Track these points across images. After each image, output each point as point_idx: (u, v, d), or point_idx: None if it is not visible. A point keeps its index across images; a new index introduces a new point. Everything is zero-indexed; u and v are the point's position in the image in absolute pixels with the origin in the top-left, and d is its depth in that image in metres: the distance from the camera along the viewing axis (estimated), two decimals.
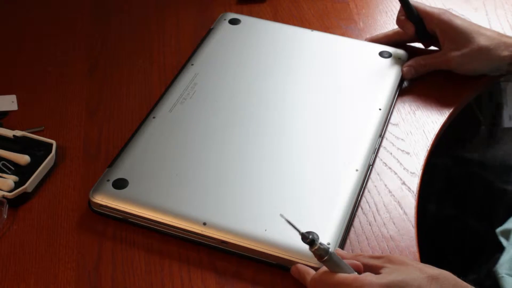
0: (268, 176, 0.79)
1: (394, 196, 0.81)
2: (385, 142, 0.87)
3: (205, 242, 0.74)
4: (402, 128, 0.89)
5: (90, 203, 0.78)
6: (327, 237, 0.72)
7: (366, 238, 0.76)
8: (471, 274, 0.87)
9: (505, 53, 0.88)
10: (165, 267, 0.74)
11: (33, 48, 1.01)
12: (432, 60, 0.93)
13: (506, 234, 0.86)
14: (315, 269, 0.70)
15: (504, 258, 0.81)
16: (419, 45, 1.02)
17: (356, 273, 0.66)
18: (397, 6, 1.10)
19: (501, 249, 0.85)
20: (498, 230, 0.87)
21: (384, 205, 0.80)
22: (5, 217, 0.78)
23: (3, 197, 0.78)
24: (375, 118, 0.87)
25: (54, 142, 0.84)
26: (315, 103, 0.89)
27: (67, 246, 0.76)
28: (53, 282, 0.72)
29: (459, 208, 0.94)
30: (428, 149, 0.86)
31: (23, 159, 0.82)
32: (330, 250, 0.63)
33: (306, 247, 0.71)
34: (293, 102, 0.89)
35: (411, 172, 0.83)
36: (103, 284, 0.72)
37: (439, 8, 0.94)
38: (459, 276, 0.65)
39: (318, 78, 0.93)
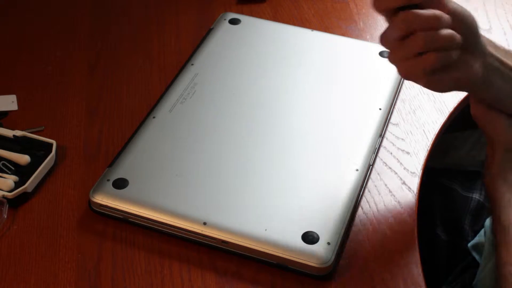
0: (268, 176, 0.79)
1: (394, 196, 0.81)
2: (385, 142, 0.87)
3: (206, 242, 0.74)
4: (402, 128, 0.89)
5: (90, 203, 0.78)
6: (327, 237, 0.72)
7: (367, 238, 0.76)
8: (444, 287, 0.86)
9: None
10: (165, 267, 0.74)
11: (33, 48, 1.01)
12: None
13: (478, 248, 0.85)
14: (314, 269, 0.70)
15: (482, 275, 0.81)
16: None
17: None
18: None
19: (474, 263, 0.85)
20: (470, 245, 0.87)
21: (385, 205, 0.80)
22: (5, 217, 0.78)
23: (3, 197, 0.78)
24: (375, 118, 0.87)
25: (54, 142, 0.84)
26: (315, 103, 0.89)
27: (67, 246, 0.76)
28: (53, 282, 0.72)
29: (427, 220, 0.93)
30: (428, 149, 0.86)
31: (23, 159, 0.82)
32: None
33: (306, 246, 0.71)
34: (293, 102, 0.89)
35: (411, 172, 0.83)
36: (103, 284, 0.72)
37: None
38: None
39: (318, 78, 0.93)
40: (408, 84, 0.95)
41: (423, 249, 0.76)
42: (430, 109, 0.92)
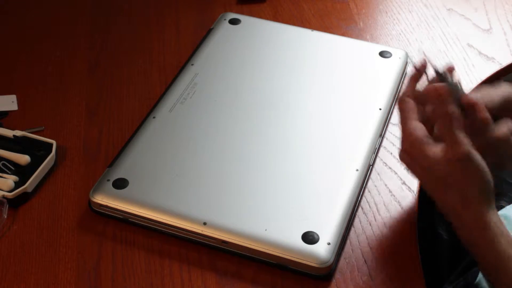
0: (268, 176, 0.79)
1: (394, 196, 0.81)
2: (385, 142, 0.87)
3: (206, 242, 0.74)
4: None
5: (90, 203, 0.78)
6: (327, 237, 0.72)
7: (366, 238, 0.76)
8: (447, 285, 0.86)
9: None
10: (165, 267, 0.74)
11: (33, 48, 1.01)
12: None
13: None
14: (314, 269, 0.70)
15: None
16: (421, 46, 1.02)
17: None
18: (397, 6, 1.11)
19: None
20: None
21: (385, 205, 0.80)
22: (5, 217, 0.78)
23: (3, 197, 0.78)
24: (376, 118, 0.87)
25: (54, 142, 0.84)
26: (315, 103, 0.89)
27: (67, 246, 0.76)
28: (53, 282, 0.72)
29: (429, 219, 0.93)
30: None
31: (23, 159, 0.82)
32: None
33: (306, 247, 0.71)
34: (293, 102, 0.89)
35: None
36: (103, 284, 0.72)
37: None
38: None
39: (318, 78, 0.93)
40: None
41: (425, 248, 0.75)
42: None
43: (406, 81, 0.95)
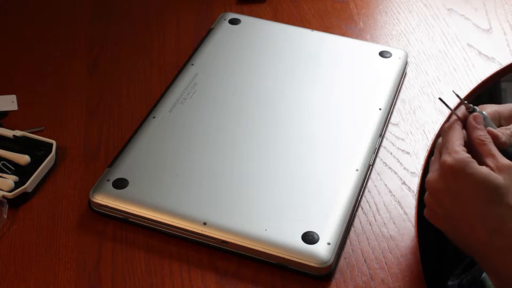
0: (268, 176, 0.79)
1: (394, 196, 0.81)
2: (385, 142, 0.87)
3: (205, 242, 0.74)
4: (402, 128, 0.89)
5: (90, 203, 0.78)
6: (327, 237, 0.72)
7: (366, 238, 0.76)
8: (452, 279, 0.86)
9: None
10: (165, 267, 0.74)
11: (33, 48, 1.01)
12: None
13: None
14: (314, 269, 0.70)
15: None
16: (421, 46, 1.02)
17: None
18: (397, 6, 1.11)
19: None
20: None
21: (384, 205, 0.80)
22: (5, 217, 0.78)
23: (3, 197, 0.78)
24: (375, 118, 0.87)
25: (54, 142, 0.84)
26: (315, 103, 0.89)
27: (67, 246, 0.76)
28: (53, 282, 0.72)
29: None
30: (428, 149, 0.86)
31: (23, 159, 0.82)
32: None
33: (306, 247, 0.71)
34: (293, 102, 0.89)
35: (411, 172, 0.83)
36: (103, 284, 0.72)
37: None
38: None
39: (318, 78, 0.93)
40: (408, 84, 0.95)
41: (426, 248, 0.75)
42: (430, 109, 0.92)
43: (407, 83, 0.95)
